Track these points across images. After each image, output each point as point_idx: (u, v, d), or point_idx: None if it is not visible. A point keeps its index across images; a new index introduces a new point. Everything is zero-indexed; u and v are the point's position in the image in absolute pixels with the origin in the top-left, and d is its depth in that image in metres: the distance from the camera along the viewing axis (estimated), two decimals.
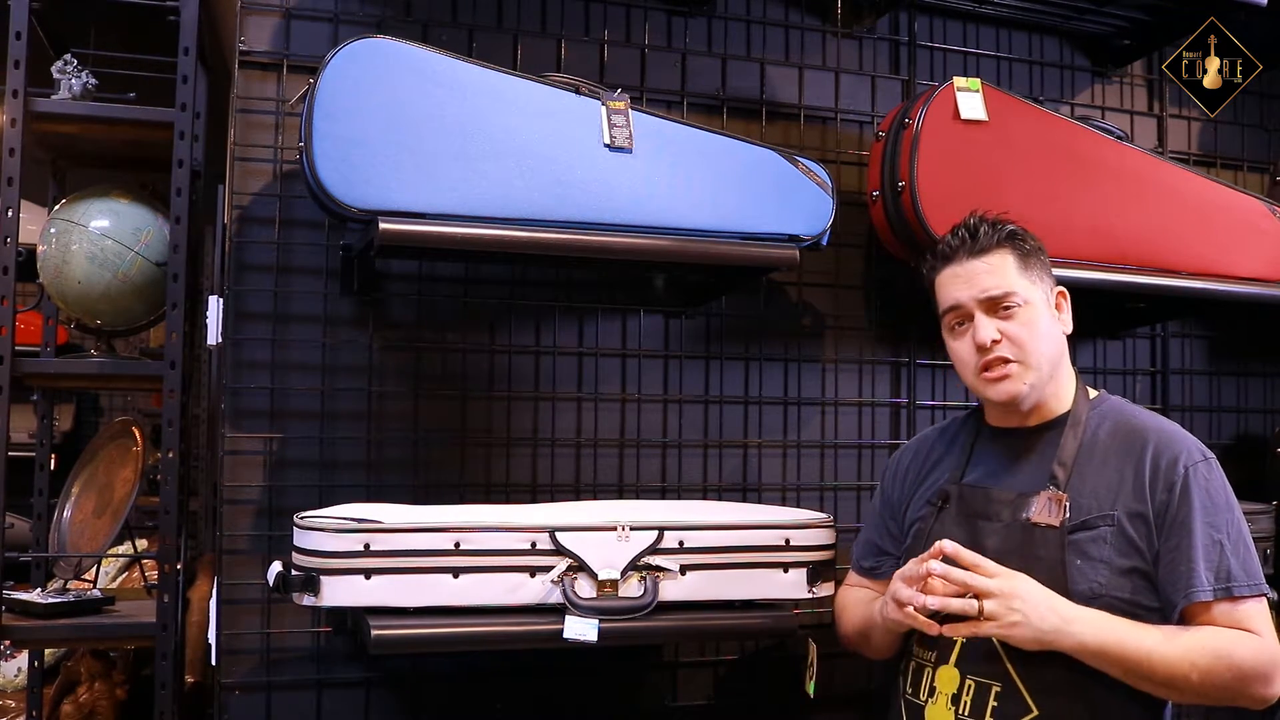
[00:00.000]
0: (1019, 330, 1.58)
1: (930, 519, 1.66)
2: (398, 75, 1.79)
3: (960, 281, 1.61)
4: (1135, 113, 2.64)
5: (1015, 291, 1.58)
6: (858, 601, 1.78)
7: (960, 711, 1.54)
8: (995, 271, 1.59)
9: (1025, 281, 1.60)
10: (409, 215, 1.77)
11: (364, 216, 1.76)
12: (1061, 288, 1.67)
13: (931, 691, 1.58)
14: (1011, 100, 2.17)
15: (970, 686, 1.53)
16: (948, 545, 1.50)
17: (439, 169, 1.80)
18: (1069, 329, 1.65)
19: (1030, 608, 1.44)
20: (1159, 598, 1.51)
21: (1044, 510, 1.54)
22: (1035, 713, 1.48)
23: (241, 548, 1.96)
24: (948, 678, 1.55)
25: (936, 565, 1.49)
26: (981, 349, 1.58)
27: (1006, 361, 1.58)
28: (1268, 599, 1.52)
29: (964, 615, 1.47)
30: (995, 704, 1.51)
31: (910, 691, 1.62)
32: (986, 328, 1.58)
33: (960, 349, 1.63)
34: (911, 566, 1.54)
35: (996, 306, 1.59)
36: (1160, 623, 1.50)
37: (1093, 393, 1.67)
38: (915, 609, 1.50)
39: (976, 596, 1.46)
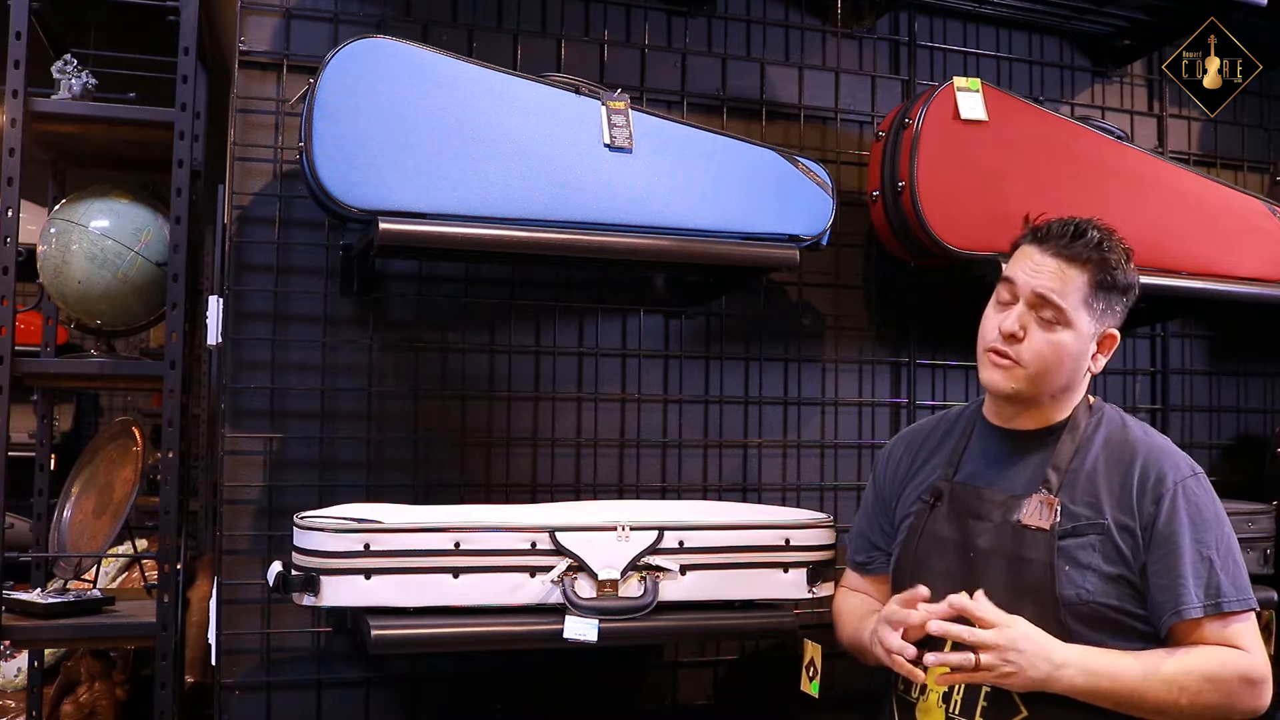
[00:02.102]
0: (1043, 343, 1.55)
1: (923, 516, 1.66)
2: (398, 75, 1.79)
3: (1030, 266, 1.57)
4: (1135, 113, 2.63)
5: (1065, 309, 1.54)
6: (851, 612, 1.77)
7: (950, 710, 1.55)
8: (1063, 280, 1.54)
9: (1082, 307, 1.55)
10: (409, 215, 1.77)
11: (364, 216, 1.76)
12: (1115, 333, 1.61)
13: (923, 690, 1.59)
14: (1011, 100, 2.17)
15: (960, 685, 1.54)
16: (955, 600, 1.50)
17: (439, 169, 1.80)
18: (1097, 370, 1.62)
19: (1024, 659, 1.44)
20: (1147, 612, 1.51)
21: (1035, 513, 1.54)
22: (1024, 713, 1.49)
23: (241, 548, 1.96)
24: (938, 676, 1.56)
25: (934, 625, 1.48)
26: (1002, 333, 1.57)
27: (1007, 356, 1.57)
28: (1261, 608, 1.52)
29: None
30: (985, 704, 1.52)
31: (902, 689, 1.63)
32: (1014, 318, 1.56)
33: (988, 321, 1.61)
34: (897, 611, 1.54)
35: (1040, 307, 1.56)
36: (1147, 630, 1.51)
37: (1091, 399, 1.66)
38: (907, 659, 1.50)
39: (973, 647, 1.46)
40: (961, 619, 1.49)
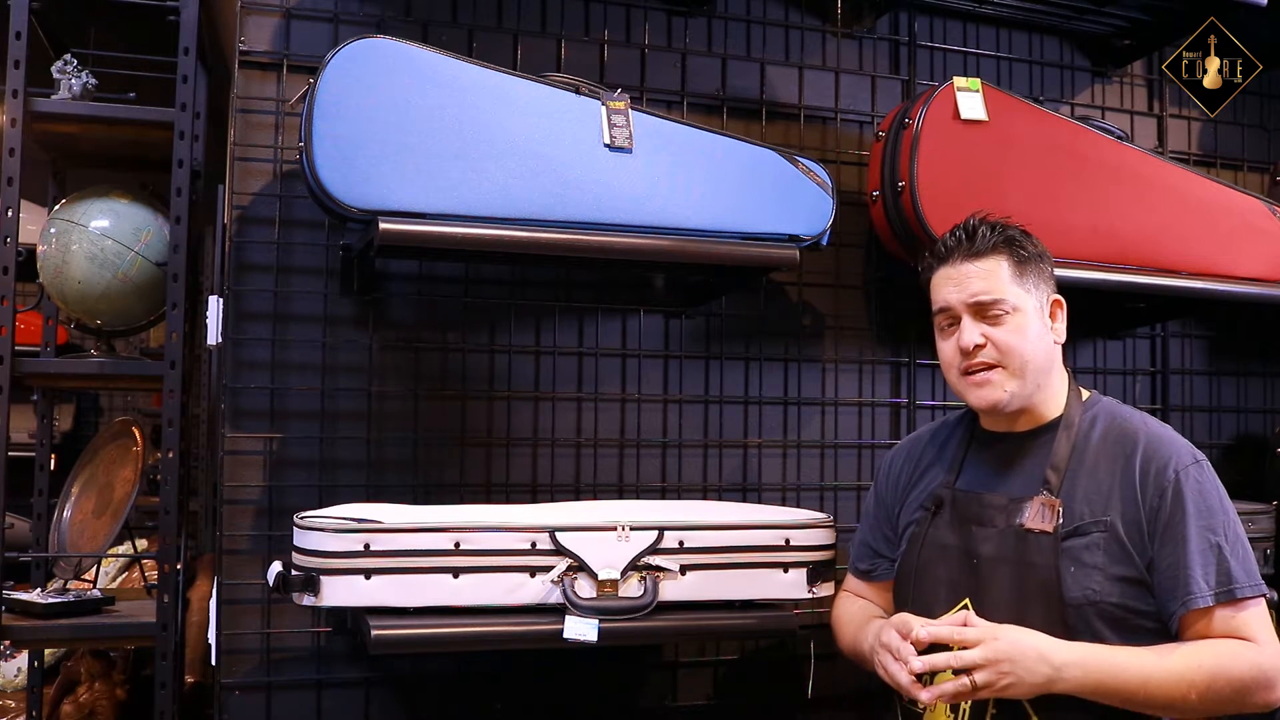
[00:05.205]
0: (1005, 337, 1.57)
1: (924, 524, 1.66)
2: (398, 75, 1.79)
3: (951, 284, 1.61)
4: (1135, 113, 2.63)
5: (1004, 299, 1.57)
6: (850, 619, 1.78)
7: (959, 719, 1.53)
8: (987, 276, 1.58)
9: (1018, 289, 1.58)
10: (409, 215, 1.77)
11: (364, 216, 1.76)
12: (1058, 297, 1.65)
13: None
14: (1011, 100, 2.17)
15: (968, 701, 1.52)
16: (922, 633, 1.47)
17: (439, 169, 1.80)
18: (1061, 338, 1.64)
19: (1020, 667, 1.42)
20: (1156, 605, 1.50)
21: (1037, 516, 1.53)
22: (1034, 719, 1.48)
23: (241, 548, 1.96)
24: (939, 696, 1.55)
25: (916, 663, 1.45)
26: (965, 353, 1.58)
27: (989, 367, 1.58)
28: (1267, 600, 1.51)
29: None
30: (994, 711, 1.51)
31: (908, 700, 1.61)
32: (971, 332, 1.58)
33: (946, 349, 1.63)
34: (893, 638, 1.51)
35: (985, 311, 1.58)
36: (1155, 627, 1.50)
37: (1085, 394, 1.66)
38: (906, 685, 1.48)
39: (967, 670, 1.43)
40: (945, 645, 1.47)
